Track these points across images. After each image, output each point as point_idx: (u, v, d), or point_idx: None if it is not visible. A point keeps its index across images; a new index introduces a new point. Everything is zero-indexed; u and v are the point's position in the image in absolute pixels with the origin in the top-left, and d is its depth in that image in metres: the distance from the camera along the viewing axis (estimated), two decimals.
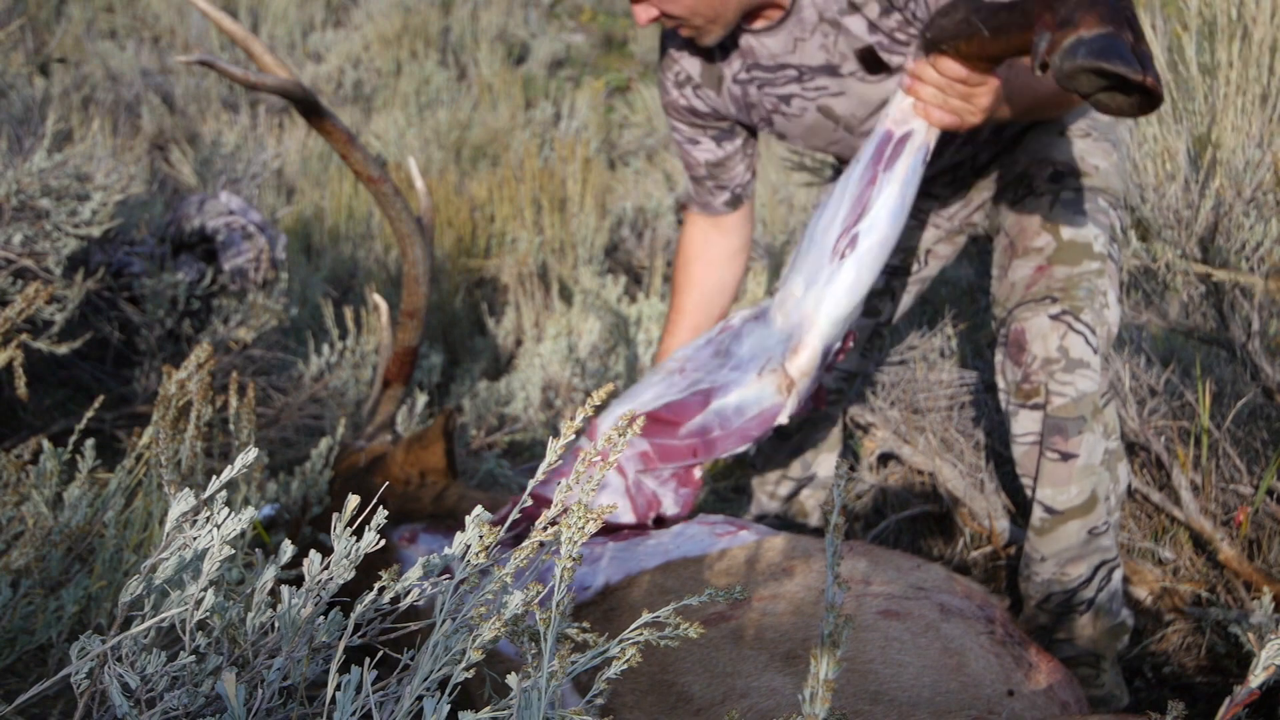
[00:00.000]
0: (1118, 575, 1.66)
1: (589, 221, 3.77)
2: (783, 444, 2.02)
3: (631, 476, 1.54)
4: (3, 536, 1.21)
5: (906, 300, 1.97)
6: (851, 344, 1.60)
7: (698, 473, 1.56)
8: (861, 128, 1.69)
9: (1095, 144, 1.71)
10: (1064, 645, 1.66)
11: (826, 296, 1.44)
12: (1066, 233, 1.62)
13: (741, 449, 1.51)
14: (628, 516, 1.54)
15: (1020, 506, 2.10)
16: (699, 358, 1.60)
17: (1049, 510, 1.61)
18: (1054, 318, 1.58)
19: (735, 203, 1.88)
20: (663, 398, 1.54)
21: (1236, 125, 1.94)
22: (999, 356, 1.68)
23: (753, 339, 1.55)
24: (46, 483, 1.27)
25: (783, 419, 1.49)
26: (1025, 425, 1.62)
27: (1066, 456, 1.58)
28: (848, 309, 1.45)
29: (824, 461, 2.05)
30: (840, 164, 1.89)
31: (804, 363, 1.46)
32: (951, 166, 1.80)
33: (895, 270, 1.91)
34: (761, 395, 1.48)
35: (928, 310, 2.79)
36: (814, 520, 2.08)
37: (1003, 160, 1.79)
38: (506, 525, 0.85)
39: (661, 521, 1.56)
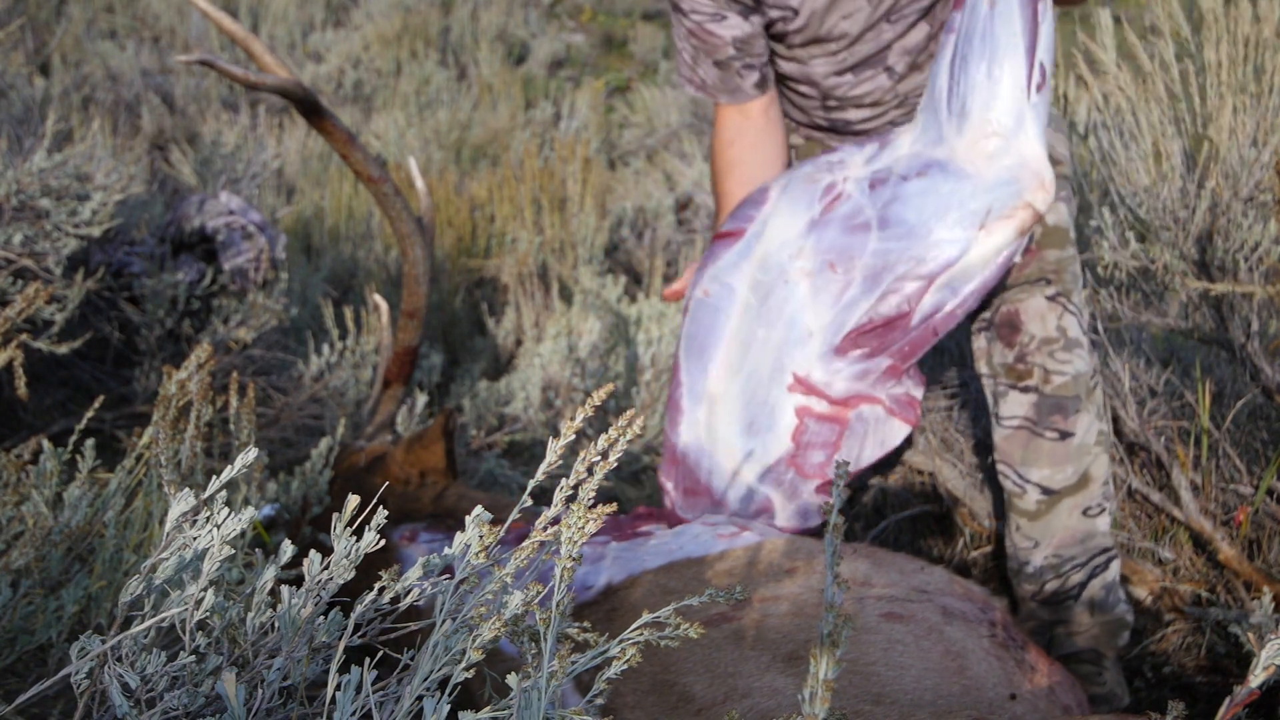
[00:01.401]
0: (1115, 566, 1.67)
1: (589, 221, 3.77)
2: None
3: (886, 398, 1.52)
4: (3, 536, 1.21)
5: None
6: None
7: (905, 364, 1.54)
8: None
9: (1056, 133, 1.74)
10: (1065, 642, 1.66)
11: (1036, 132, 1.46)
12: (1050, 218, 1.64)
13: (979, 303, 1.50)
14: (904, 430, 1.53)
15: None
16: (839, 243, 1.50)
17: (1046, 491, 1.62)
18: (1050, 299, 1.60)
19: (763, 84, 1.78)
20: (855, 305, 1.47)
21: (1231, 124, 1.94)
22: (981, 341, 1.68)
23: (931, 199, 1.48)
24: (46, 483, 1.27)
25: (1017, 258, 1.49)
26: (1013, 408, 1.63)
27: (1065, 435, 1.59)
28: (1046, 139, 1.48)
29: None
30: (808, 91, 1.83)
31: (1050, 193, 1.47)
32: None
33: None
34: (998, 247, 1.47)
35: None
36: None
37: None
38: (507, 525, 0.85)
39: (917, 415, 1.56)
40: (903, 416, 1.51)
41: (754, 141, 1.81)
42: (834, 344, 1.48)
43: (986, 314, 1.67)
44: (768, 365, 1.54)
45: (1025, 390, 1.61)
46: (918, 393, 1.53)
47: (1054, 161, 1.69)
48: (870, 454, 1.51)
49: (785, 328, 1.52)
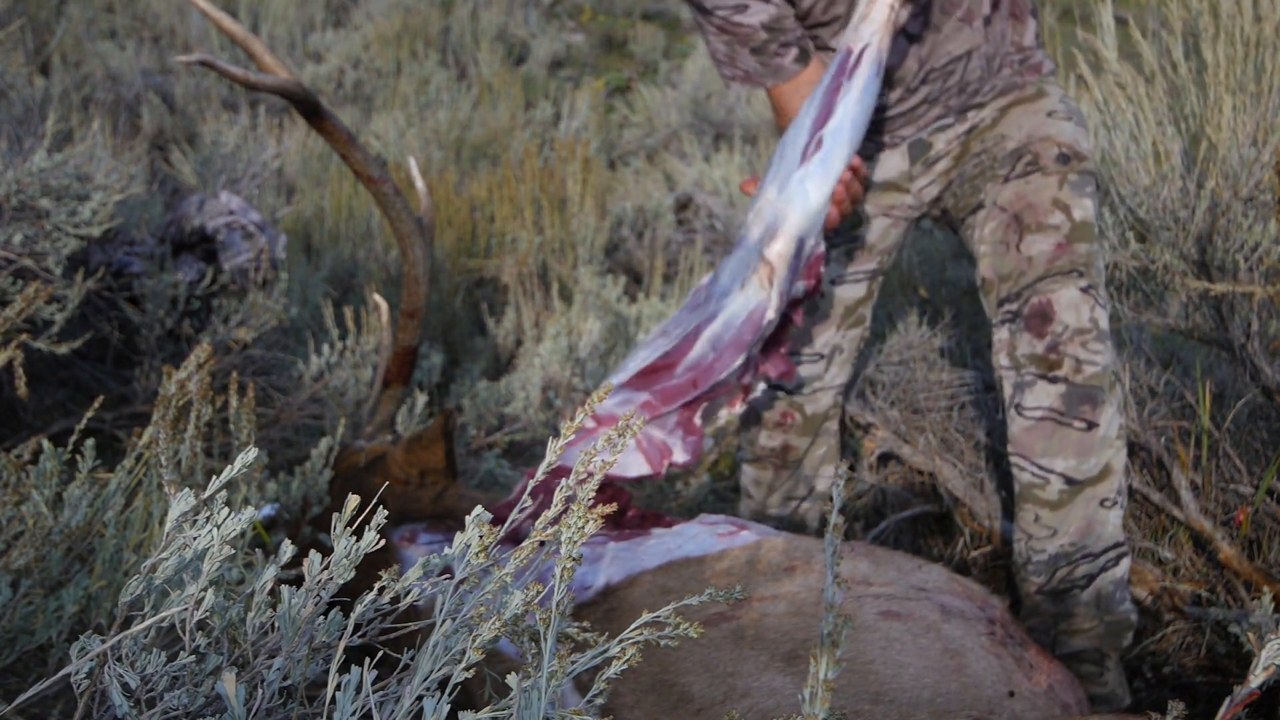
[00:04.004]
0: (1125, 564, 1.67)
1: (589, 221, 3.77)
2: (784, 470, 2.00)
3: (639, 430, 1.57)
4: (3, 536, 1.21)
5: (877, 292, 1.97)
6: (823, 268, 1.62)
7: (698, 420, 1.58)
8: None
9: (1078, 128, 1.73)
10: (1068, 642, 1.66)
11: (797, 194, 1.53)
12: (1077, 213, 1.65)
13: (739, 362, 1.54)
14: (644, 469, 1.55)
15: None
16: (679, 317, 1.63)
17: (1069, 481, 1.62)
18: (1084, 290, 1.61)
19: (803, 57, 1.74)
20: (651, 358, 1.58)
21: (1230, 124, 1.93)
22: (1004, 333, 1.68)
23: (730, 267, 1.60)
24: (46, 483, 1.27)
25: (771, 314, 1.53)
26: (1039, 399, 1.62)
27: (1091, 425, 1.60)
28: (817, 202, 1.53)
29: (824, 474, 2.03)
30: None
31: (781, 248, 1.53)
32: (915, 135, 1.79)
33: (873, 274, 1.90)
34: (747, 301, 1.54)
35: (928, 310, 2.80)
36: (812, 527, 2.08)
37: (985, 136, 1.76)
38: (507, 525, 0.85)
39: (675, 472, 1.57)
40: (647, 456, 1.57)
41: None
42: (621, 380, 1.60)
43: (1013, 305, 1.66)
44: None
45: (1054, 380, 1.61)
46: (679, 454, 1.58)
47: (1079, 156, 1.69)
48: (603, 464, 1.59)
49: (618, 373, 1.65)
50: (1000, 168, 1.72)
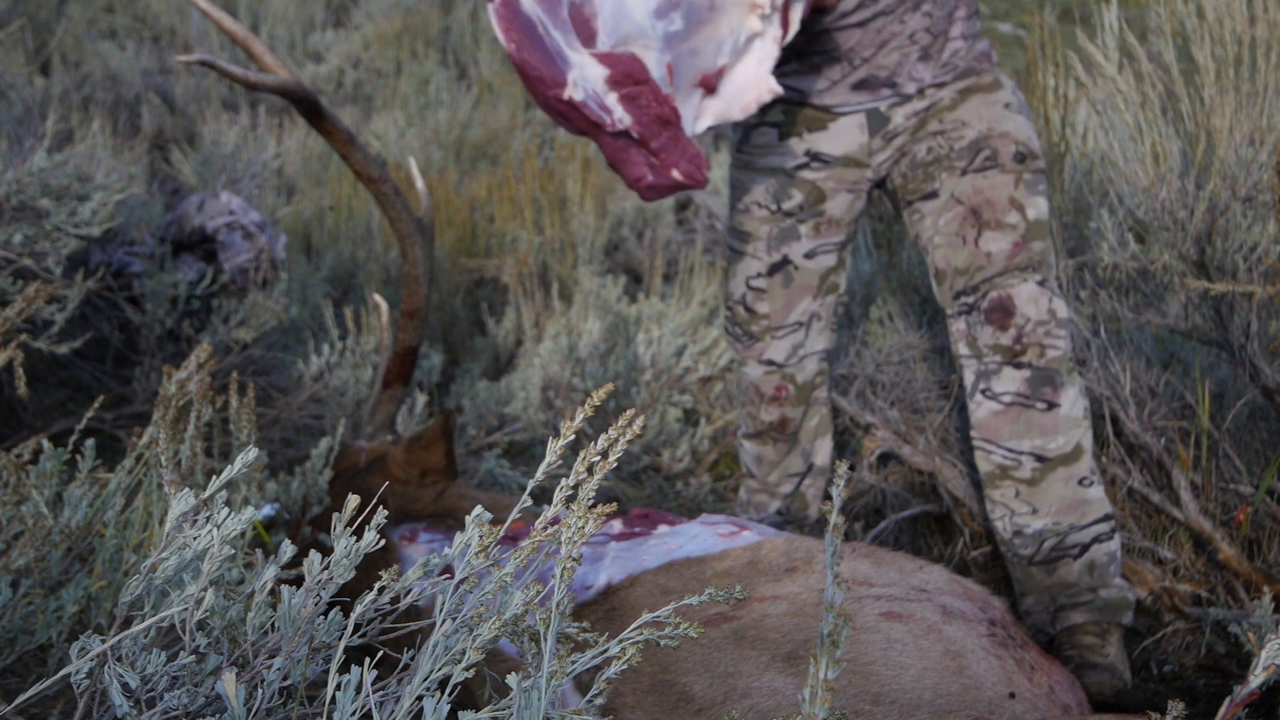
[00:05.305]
0: (1117, 539, 1.73)
1: (589, 221, 3.77)
2: (783, 443, 2.04)
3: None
4: (3, 536, 1.21)
5: (850, 262, 2.02)
6: None
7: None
8: None
9: (1029, 124, 1.79)
10: (1068, 615, 1.73)
11: None
12: (1031, 212, 1.73)
13: None
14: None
15: None
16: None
17: (1040, 459, 1.70)
18: (1040, 284, 1.71)
19: None
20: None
21: (1226, 125, 1.93)
22: (961, 324, 1.75)
23: None
24: (46, 483, 1.27)
25: None
26: (1007, 385, 1.70)
27: (1052, 405, 1.69)
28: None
29: (820, 448, 2.09)
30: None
31: None
32: (870, 105, 1.79)
33: (843, 244, 1.94)
34: None
35: (928, 310, 2.79)
36: (814, 512, 2.11)
37: (943, 118, 1.78)
38: (507, 525, 0.85)
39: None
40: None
41: None
42: None
43: (969, 298, 1.73)
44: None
45: (1019, 366, 1.69)
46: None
47: (1033, 155, 1.75)
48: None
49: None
50: (958, 160, 1.76)
